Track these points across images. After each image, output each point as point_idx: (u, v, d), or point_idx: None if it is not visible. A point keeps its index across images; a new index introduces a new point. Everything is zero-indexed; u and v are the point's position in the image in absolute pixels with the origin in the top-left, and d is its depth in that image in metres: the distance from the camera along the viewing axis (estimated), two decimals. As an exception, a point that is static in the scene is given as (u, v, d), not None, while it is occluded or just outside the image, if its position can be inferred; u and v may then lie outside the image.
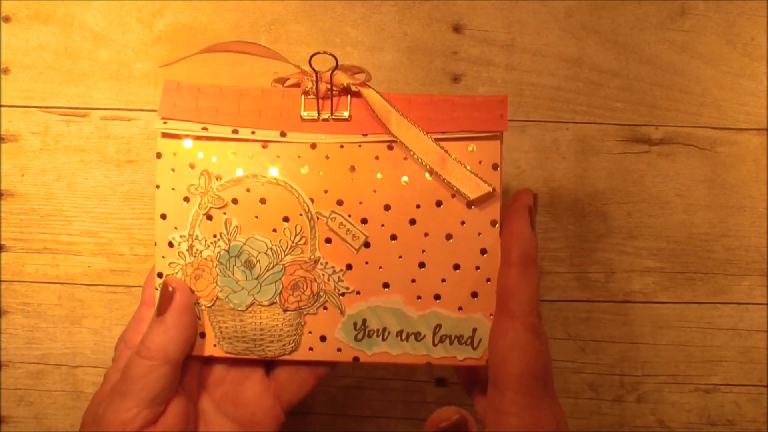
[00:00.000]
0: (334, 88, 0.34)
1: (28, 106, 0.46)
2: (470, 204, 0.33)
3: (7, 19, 0.45)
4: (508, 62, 0.45)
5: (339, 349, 0.35)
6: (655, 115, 0.46)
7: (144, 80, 0.45)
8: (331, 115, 0.34)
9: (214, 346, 0.35)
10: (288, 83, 0.36)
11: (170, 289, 0.33)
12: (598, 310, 0.46)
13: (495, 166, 0.33)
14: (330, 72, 0.33)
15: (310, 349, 0.35)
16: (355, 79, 0.34)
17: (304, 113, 0.34)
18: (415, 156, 0.33)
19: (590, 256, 0.46)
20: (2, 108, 0.45)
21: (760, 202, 0.46)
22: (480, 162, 0.33)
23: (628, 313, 0.46)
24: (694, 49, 0.45)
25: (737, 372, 0.46)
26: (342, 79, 0.34)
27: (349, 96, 0.34)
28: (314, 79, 0.34)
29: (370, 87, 0.34)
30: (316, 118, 0.34)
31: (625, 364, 0.46)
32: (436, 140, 0.33)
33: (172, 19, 0.45)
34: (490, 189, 0.32)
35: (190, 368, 0.35)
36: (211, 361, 0.36)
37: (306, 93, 0.34)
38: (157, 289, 0.34)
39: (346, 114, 0.34)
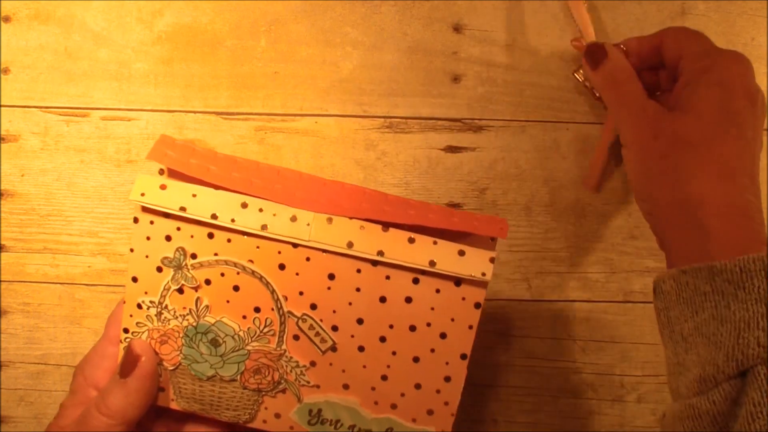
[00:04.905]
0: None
1: (28, 106, 0.46)
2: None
3: (7, 19, 0.45)
4: (508, 62, 0.45)
5: (291, 427, 0.35)
6: (655, 115, 0.46)
7: (144, 80, 0.45)
8: None
9: (172, 400, 0.36)
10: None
11: (135, 353, 0.34)
12: (598, 310, 0.46)
13: (477, 305, 0.33)
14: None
15: (264, 421, 0.35)
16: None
17: None
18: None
19: (590, 256, 0.46)
20: (2, 108, 0.45)
21: (760, 202, 0.46)
22: (463, 298, 0.32)
23: (628, 313, 0.46)
24: (694, 49, 0.45)
25: (737, 372, 0.46)
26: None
27: None
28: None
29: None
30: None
31: (625, 364, 0.46)
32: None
33: (172, 19, 0.45)
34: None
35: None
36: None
37: None
38: (122, 342, 0.35)
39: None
